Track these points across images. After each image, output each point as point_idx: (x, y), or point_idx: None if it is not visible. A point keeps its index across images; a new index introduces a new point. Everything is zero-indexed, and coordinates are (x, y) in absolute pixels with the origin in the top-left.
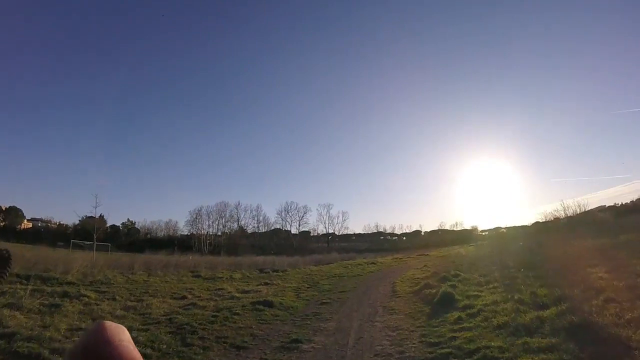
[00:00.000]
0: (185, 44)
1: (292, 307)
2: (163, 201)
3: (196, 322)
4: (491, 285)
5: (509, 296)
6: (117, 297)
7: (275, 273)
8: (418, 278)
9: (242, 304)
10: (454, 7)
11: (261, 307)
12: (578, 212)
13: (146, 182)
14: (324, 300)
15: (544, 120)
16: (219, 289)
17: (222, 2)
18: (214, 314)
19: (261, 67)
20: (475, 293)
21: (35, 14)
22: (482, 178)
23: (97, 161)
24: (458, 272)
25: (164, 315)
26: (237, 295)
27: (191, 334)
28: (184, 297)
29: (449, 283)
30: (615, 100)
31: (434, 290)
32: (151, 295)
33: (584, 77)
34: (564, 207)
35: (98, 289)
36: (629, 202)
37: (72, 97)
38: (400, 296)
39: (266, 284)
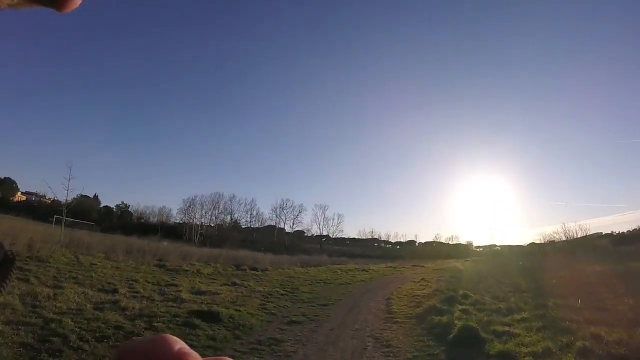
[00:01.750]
0: (192, 39)
1: (243, 326)
2: (159, 187)
3: (78, 335)
4: (519, 317)
5: (564, 340)
6: (33, 278)
7: (252, 271)
8: (418, 295)
9: (178, 311)
10: (455, 26)
11: (199, 321)
12: (578, 236)
13: (145, 167)
14: (295, 318)
15: (545, 143)
16: (171, 285)
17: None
18: (123, 323)
19: (265, 64)
20: (505, 328)
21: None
22: (479, 194)
23: (98, 143)
24: (466, 292)
25: (56, 314)
26: (184, 296)
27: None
28: (114, 291)
29: (460, 307)
30: (616, 129)
31: (445, 319)
32: (76, 282)
33: (587, 104)
34: (564, 230)
35: (23, 266)
36: (625, 231)
37: (78, 82)
38: (397, 321)
39: (234, 284)
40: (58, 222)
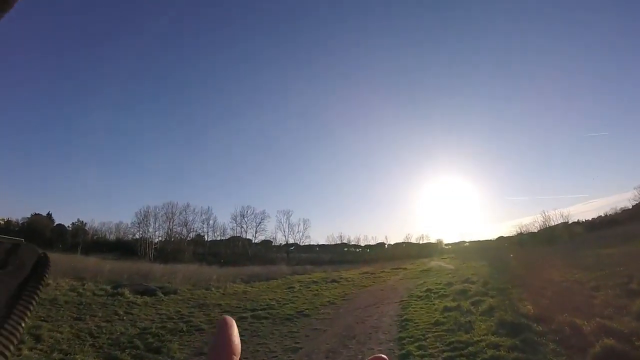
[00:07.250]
0: (141, 48)
1: None
2: (115, 202)
3: None
4: None
5: None
6: None
7: (135, 297)
8: (476, 344)
9: None
10: (421, 29)
11: None
12: (556, 223)
13: (100, 181)
14: None
15: (501, 140)
16: None
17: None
18: None
19: (217, 66)
20: None
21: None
22: (445, 192)
23: (52, 160)
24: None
25: None
26: None
27: None
28: None
29: None
30: (574, 123)
31: None
32: None
33: (546, 100)
34: (544, 218)
35: None
36: (590, 219)
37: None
38: None
39: None
40: None
